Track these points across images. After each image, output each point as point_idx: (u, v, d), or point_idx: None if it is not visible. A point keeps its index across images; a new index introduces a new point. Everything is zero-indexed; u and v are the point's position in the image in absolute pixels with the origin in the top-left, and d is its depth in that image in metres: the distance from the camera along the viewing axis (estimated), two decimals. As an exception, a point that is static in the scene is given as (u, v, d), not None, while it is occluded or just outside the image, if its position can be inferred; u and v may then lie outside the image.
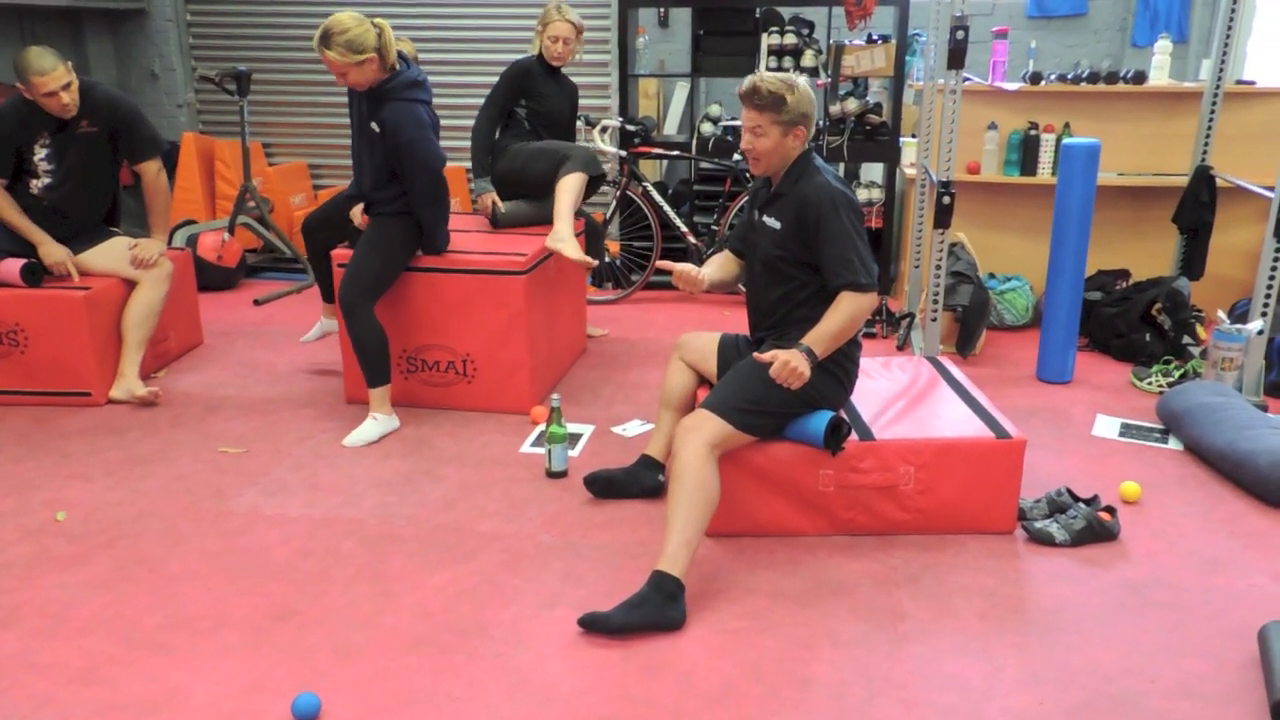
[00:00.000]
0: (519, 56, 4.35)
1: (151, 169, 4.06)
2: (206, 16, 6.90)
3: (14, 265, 3.81)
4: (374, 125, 3.53)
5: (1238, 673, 2.28)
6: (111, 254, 4.00)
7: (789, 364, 2.61)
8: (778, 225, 2.78)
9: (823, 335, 2.68)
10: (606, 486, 3.11)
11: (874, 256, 2.74)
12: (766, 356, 2.67)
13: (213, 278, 5.51)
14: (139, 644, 2.38)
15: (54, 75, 3.61)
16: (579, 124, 5.14)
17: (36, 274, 3.86)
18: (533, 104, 4.24)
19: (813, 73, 5.34)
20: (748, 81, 2.69)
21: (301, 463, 3.40)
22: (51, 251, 3.88)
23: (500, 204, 4.21)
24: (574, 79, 4.52)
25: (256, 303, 5.34)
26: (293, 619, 2.49)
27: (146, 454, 3.47)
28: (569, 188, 4.04)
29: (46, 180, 3.88)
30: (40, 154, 3.83)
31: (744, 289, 3.09)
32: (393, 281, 3.69)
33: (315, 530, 2.94)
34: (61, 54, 3.70)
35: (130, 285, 4.00)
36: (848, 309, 2.67)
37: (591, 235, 4.49)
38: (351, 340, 3.58)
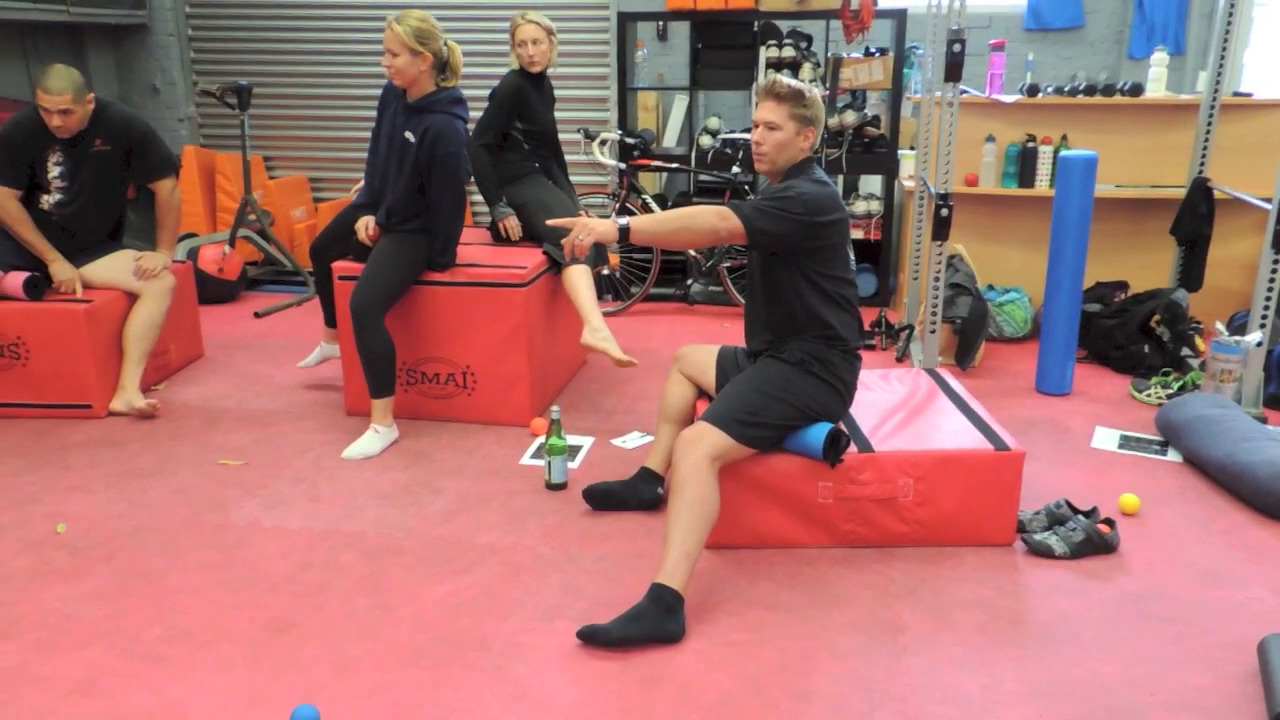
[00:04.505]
0: (501, 72, 4.32)
1: (166, 187, 4.09)
2: (208, 31, 6.94)
3: (18, 279, 3.82)
4: (408, 135, 3.54)
5: (1238, 685, 2.28)
6: (115, 267, 4.02)
7: (589, 224, 2.58)
8: None
9: (648, 216, 2.65)
10: (605, 499, 3.12)
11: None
12: (569, 221, 2.63)
13: (213, 290, 5.52)
14: (138, 656, 2.38)
15: (56, 99, 3.64)
16: (579, 137, 5.15)
17: (39, 287, 3.87)
18: (528, 124, 4.23)
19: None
20: (765, 79, 2.77)
21: (301, 475, 3.41)
22: (62, 270, 3.90)
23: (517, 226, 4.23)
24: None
25: (257, 315, 5.35)
26: (292, 631, 2.49)
27: (147, 466, 3.48)
28: (583, 283, 3.92)
29: (58, 196, 3.90)
30: (54, 171, 3.85)
31: (744, 300, 3.10)
32: (403, 294, 3.70)
33: (315, 543, 2.94)
34: (80, 85, 3.69)
35: (132, 298, 4.01)
36: (696, 209, 2.61)
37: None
38: (360, 350, 3.59)
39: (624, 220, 2.60)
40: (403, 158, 3.59)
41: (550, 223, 2.73)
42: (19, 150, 3.79)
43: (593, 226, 2.59)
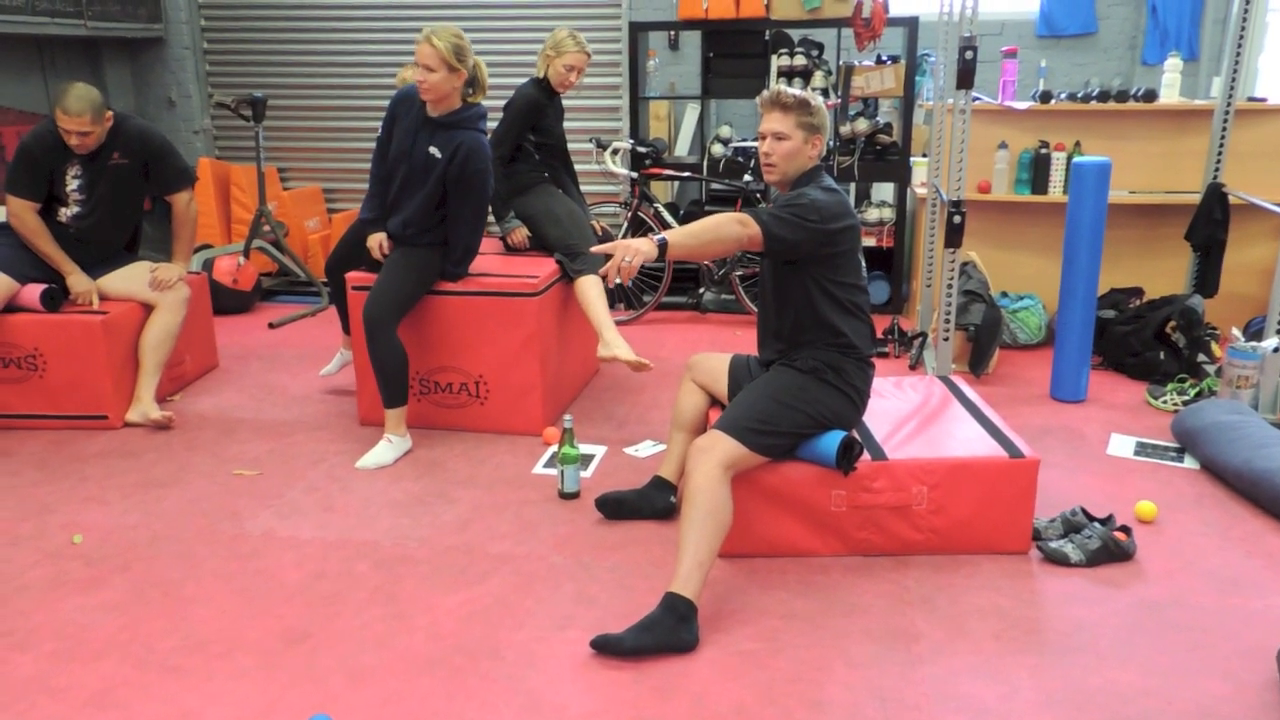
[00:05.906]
0: (511, 83, 4.33)
1: (183, 199, 4.12)
2: (223, 44, 7.00)
3: (35, 290, 3.86)
4: (434, 150, 3.55)
5: (1256, 694, 2.26)
6: (131, 278, 4.05)
7: (630, 245, 2.50)
8: None
9: (680, 230, 2.60)
10: (618, 508, 3.12)
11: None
12: (609, 246, 2.55)
13: (228, 301, 5.55)
14: (154, 667, 2.39)
15: (75, 120, 3.67)
16: (591, 146, 5.16)
17: (56, 299, 3.90)
18: (540, 137, 4.25)
19: (823, 94, 5.36)
20: (769, 90, 2.77)
21: (315, 485, 3.42)
22: (79, 282, 3.93)
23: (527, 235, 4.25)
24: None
25: (271, 326, 5.38)
26: (306, 641, 2.49)
27: (162, 477, 3.50)
28: (594, 295, 3.93)
29: (76, 209, 3.94)
30: (72, 184, 3.89)
31: (756, 308, 3.09)
32: (415, 305, 3.71)
33: (329, 553, 2.95)
34: (99, 104, 3.72)
35: (148, 309, 4.04)
36: (720, 217, 2.59)
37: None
38: (372, 360, 3.60)
39: (660, 236, 2.55)
40: (426, 172, 3.58)
41: (594, 250, 2.71)
42: (38, 164, 3.83)
43: (635, 248, 2.51)
